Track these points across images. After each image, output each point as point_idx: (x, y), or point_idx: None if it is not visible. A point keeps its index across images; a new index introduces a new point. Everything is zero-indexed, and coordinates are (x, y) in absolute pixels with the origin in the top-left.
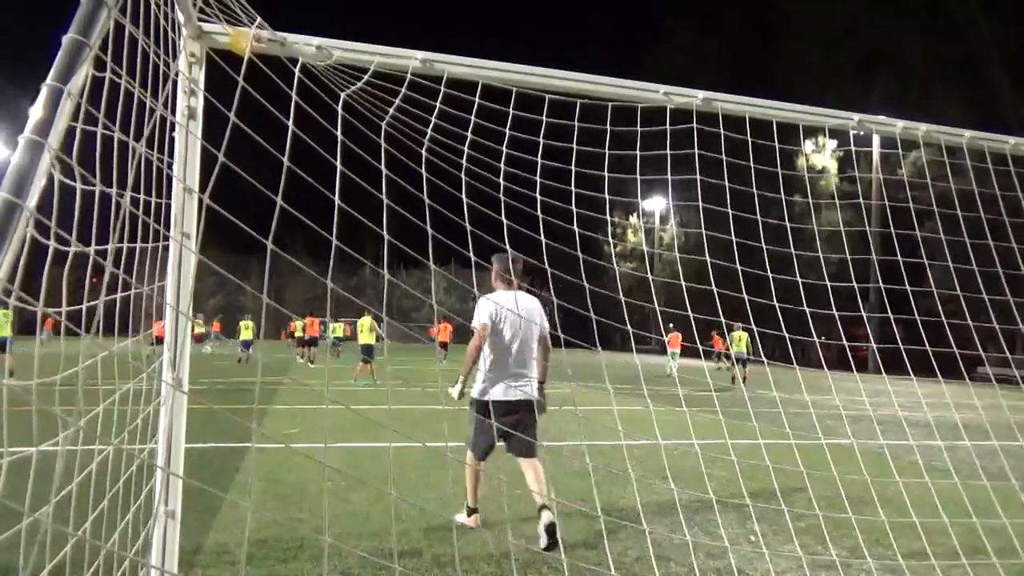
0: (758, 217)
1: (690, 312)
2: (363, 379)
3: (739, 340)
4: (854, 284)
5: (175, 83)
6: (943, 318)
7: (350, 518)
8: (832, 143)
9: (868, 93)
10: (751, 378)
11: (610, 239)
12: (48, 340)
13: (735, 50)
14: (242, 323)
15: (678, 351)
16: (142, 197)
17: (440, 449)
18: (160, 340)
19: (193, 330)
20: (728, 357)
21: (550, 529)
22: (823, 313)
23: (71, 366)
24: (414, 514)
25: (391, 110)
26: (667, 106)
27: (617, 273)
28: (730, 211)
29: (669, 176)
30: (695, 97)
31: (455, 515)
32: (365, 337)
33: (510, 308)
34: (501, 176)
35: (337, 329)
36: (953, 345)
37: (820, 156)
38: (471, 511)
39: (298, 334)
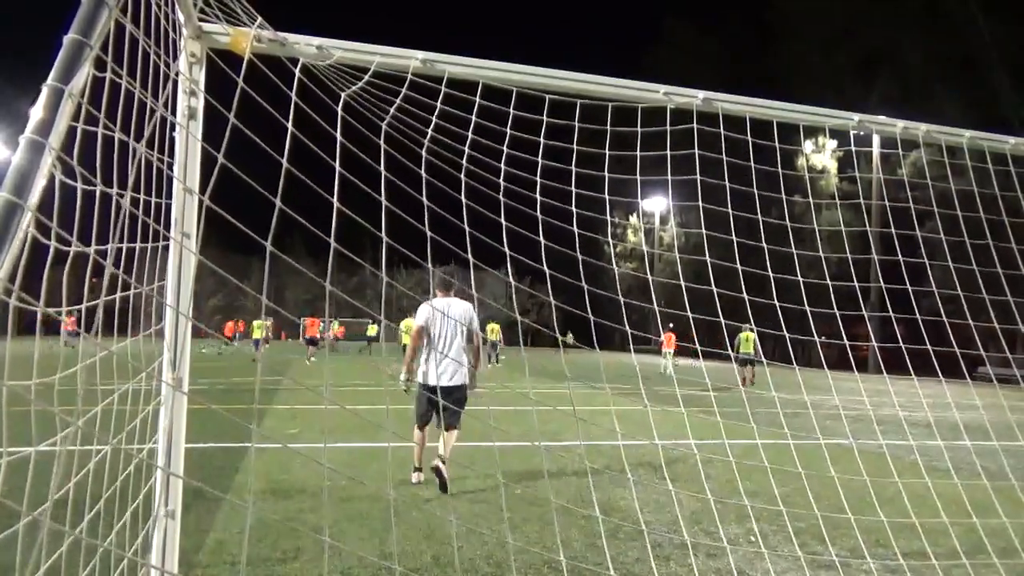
0: (759, 217)
1: (689, 312)
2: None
3: (746, 341)
4: (855, 284)
5: (175, 83)
6: (944, 318)
7: (350, 518)
8: (832, 143)
9: (868, 93)
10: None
11: (610, 239)
12: (68, 340)
13: (735, 50)
14: (255, 323)
15: (672, 351)
16: (142, 197)
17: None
18: (231, 339)
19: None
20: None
21: (438, 471)
22: (824, 312)
23: (72, 366)
24: (414, 514)
25: (391, 110)
26: (667, 106)
27: (616, 273)
28: (730, 211)
29: (669, 176)
30: (695, 97)
31: (411, 475)
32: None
33: (448, 311)
34: (501, 176)
35: (371, 329)
36: (954, 345)
37: (820, 156)
38: (416, 470)
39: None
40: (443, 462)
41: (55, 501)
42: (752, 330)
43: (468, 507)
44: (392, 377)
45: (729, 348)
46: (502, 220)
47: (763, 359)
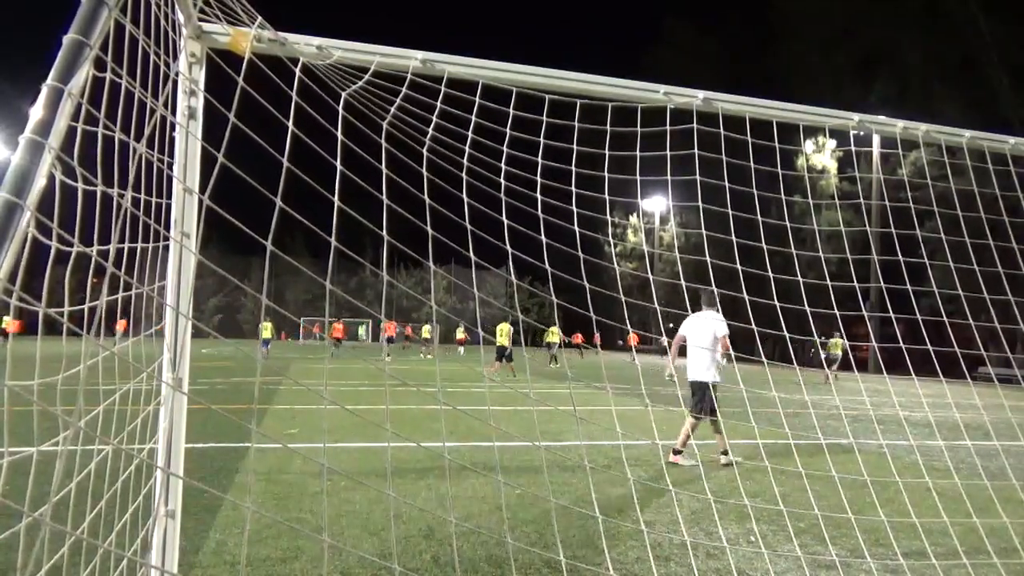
0: (758, 217)
1: (690, 312)
2: (497, 375)
3: (835, 345)
4: (855, 284)
5: (175, 83)
6: (944, 317)
7: (350, 518)
8: (832, 143)
9: (868, 93)
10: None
11: (611, 239)
12: (120, 340)
13: (735, 50)
14: (262, 324)
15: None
16: (142, 197)
17: (438, 449)
18: (339, 342)
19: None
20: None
21: (726, 455)
22: (823, 313)
23: (72, 366)
24: (414, 514)
25: (392, 110)
26: (667, 106)
27: (617, 273)
28: (730, 211)
29: (669, 176)
30: (695, 97)
31: (669, 458)
32: (503, 340)
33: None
34: (502, 176)
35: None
36: (954, 344)
37: (820, 156)
38: (677, 452)
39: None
40: (726, 452)
41: (55, 501)
42: (842, 337)
43: (468, 507)
44: (670, 377)
45: (730, 349)
46: (503, 219)
47: (792, 357)
